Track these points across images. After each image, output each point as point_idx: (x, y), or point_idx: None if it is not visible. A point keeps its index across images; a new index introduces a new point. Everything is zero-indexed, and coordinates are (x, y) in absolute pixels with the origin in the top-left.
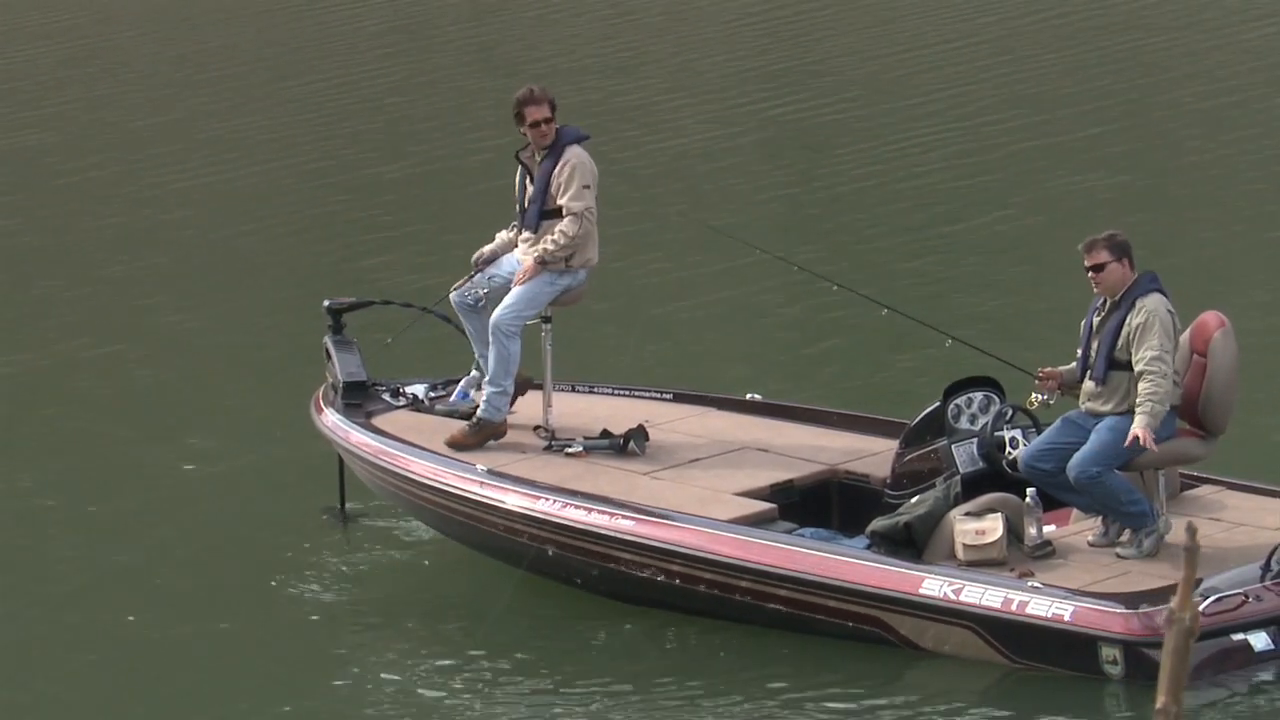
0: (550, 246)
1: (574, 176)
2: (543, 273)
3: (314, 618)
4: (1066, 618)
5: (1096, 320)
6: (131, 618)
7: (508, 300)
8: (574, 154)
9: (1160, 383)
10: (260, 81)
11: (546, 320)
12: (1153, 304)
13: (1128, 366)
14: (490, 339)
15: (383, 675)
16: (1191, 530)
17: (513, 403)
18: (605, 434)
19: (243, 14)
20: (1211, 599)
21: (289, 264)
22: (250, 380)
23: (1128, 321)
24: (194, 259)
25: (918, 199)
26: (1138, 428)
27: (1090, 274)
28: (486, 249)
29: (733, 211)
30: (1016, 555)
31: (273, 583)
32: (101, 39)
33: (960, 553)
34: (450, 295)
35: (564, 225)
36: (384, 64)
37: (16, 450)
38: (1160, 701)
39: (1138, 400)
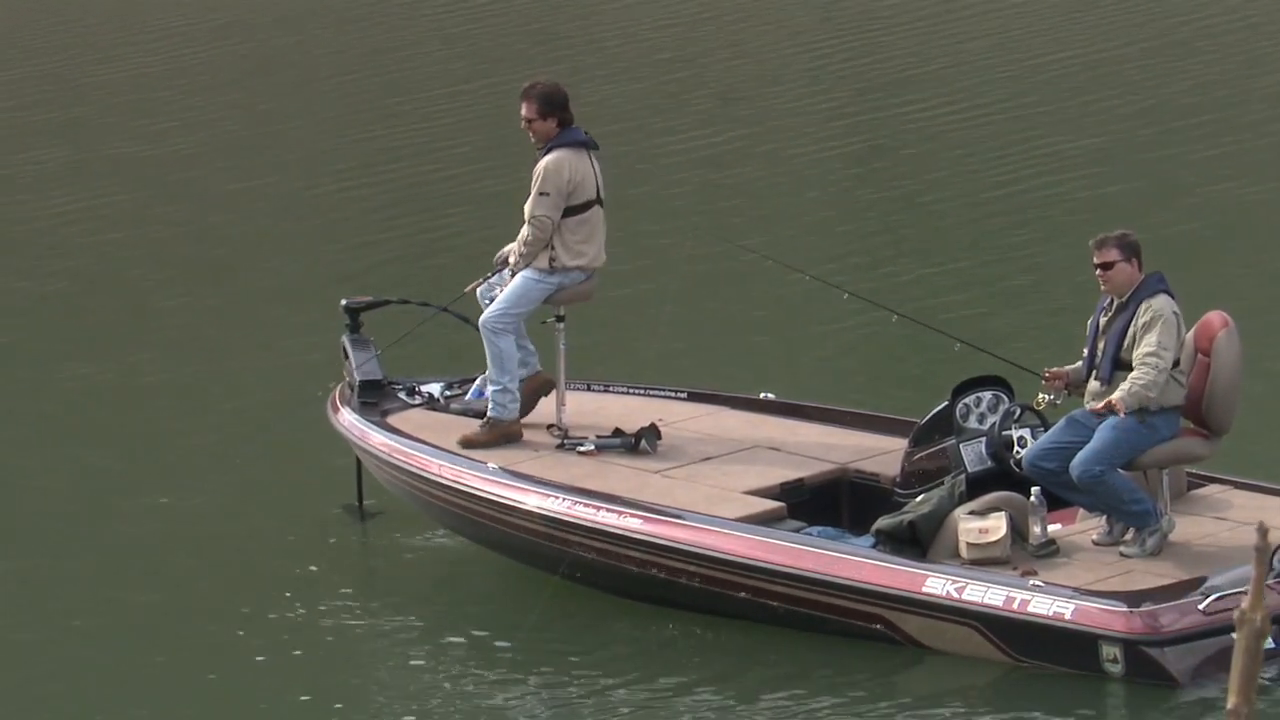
0: (513, 259)
1: (535, 182)
2: (528, 271)
3: (329, 616)
4: (1068, 616)
5: (1103, 320)
6: (144, 620)
7: (497, 298)
8: (546, 159)
9: (1150, 374)
10: (374, 92)
11: (560, 319)
12: (1159, 305)
13: (1132, 368)
14: (482, 338)
15: (395, 673)
16: (1263, 530)
17: (534, 404)
18: (617, 432)
19: (360, 21)
20: (1213, 597)
21: (412, 276)
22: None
23: (1134, 323)
24: (317, 267)
25: (980, 207)
26: (1113, 397)
27: (1098, 271)
28: (508, 248)
29: (822, 211)
30: (1020, 554)
31: (288, 581)
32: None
33: (964, 551)
34: (477, 290)
35: (521, 232)
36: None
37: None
38: (1231, 703)
39: (1124, 383)
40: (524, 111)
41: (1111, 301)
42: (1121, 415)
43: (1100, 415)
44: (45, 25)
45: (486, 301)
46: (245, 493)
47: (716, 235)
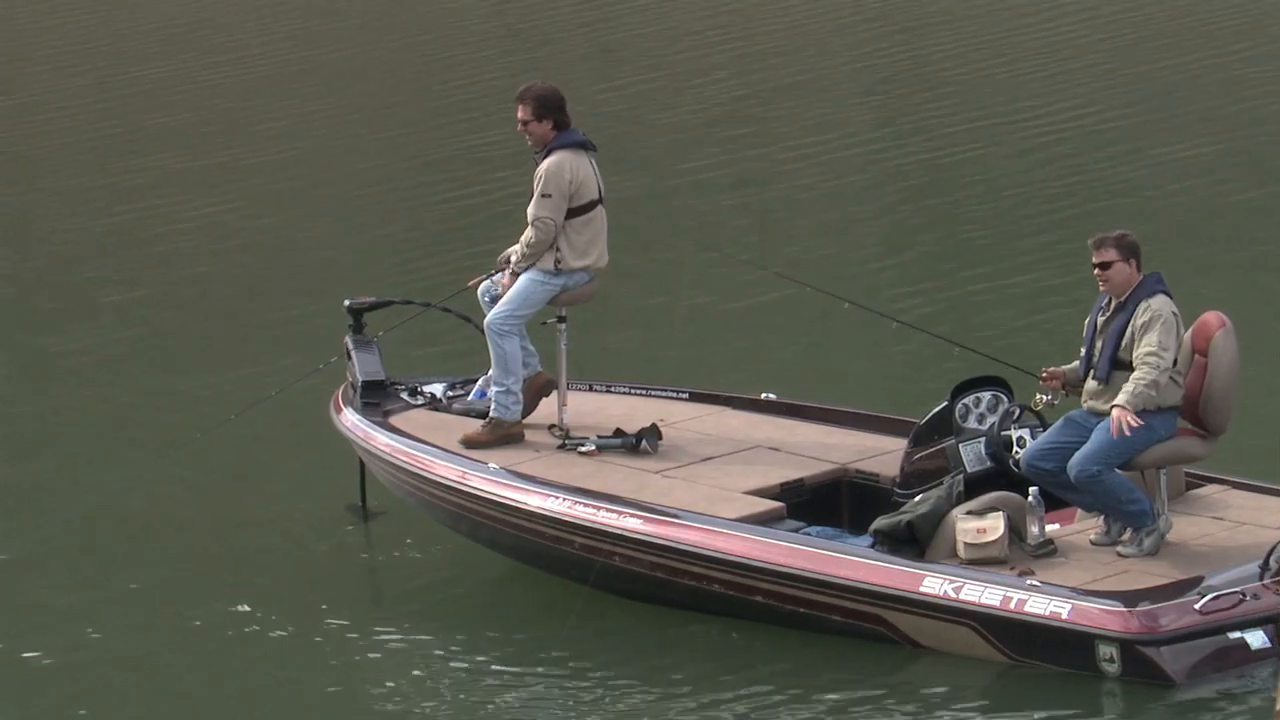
0: (515, 257)
1: (536, 185)
2: (533, 272)
3: (331, 616)
4: (1065, 616)
5: (1101, 320)
6: (144, 618)
7: (502, 300)
8: (548, 161)
9: (1151, 373)
10: (460, 98)
11: (562, 319)
12: (1158, 305)
13: (1130, 367)
14: (487, 339)
15: (393, 671)
16: None
17: (536, 405)
18: (618, 432)
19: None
20: (1210, 597)
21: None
22: None
23: (1132, 323)
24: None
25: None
26: (1118, 404)
27: (1096, 271)
28: (512, 249)
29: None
30: (1017, 554)
31: (290, 581)
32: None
33: (962, 551)
34: (479, 288)
35: (524, 234)
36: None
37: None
38: None
39: (1126, 384)
40: (520, 114)
41: (1109, 301)
42: (1133, 420)
43: (1101, 416)
44: (132, 33)
45: (486, 300)
46: (246, 493)
47: (717, 240)
